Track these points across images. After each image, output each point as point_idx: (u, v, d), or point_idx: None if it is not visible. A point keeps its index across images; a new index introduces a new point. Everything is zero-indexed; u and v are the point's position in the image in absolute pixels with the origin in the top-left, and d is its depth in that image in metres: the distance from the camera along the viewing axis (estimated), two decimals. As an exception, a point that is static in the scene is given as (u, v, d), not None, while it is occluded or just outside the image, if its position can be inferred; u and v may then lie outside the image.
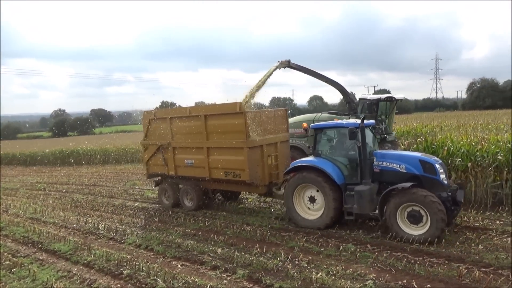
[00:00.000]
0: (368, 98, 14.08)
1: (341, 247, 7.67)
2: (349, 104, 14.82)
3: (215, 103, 11.40)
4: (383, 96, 13.95)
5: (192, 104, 11.74)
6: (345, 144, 8.99)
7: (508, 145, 10.25)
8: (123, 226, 10.46)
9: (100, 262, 7.79)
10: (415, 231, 7.65)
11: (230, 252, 7.75)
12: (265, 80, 12.28)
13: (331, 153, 9.13)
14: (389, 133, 14.03)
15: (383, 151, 9.09)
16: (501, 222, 8.68)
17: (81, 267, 7.73)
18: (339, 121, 9.08)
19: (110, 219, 11.34)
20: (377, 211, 8.24)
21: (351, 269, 6.58)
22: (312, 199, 9.07)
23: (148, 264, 7.43)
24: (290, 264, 6.96)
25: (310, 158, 9.34)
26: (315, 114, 15.08)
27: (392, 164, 8.39)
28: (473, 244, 7.36)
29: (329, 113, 15.20)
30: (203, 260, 7.50)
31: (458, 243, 7.46)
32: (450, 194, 8.03)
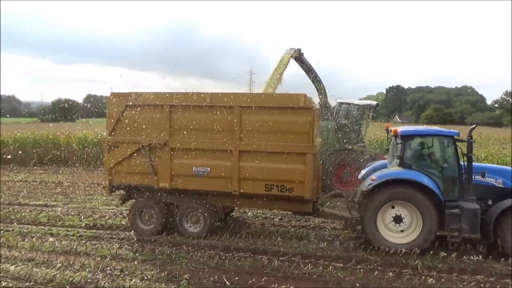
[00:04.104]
0: (356, 103, 13.43)
1: (156, 250, 7.60)
2: (326, 108, 14.02)
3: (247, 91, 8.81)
4: (374, 102, 13.73)
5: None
6: (443, 155, 8.10)
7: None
8: None
9: None
10: None
11: (26, 269, 6.67)
12: (283, 71, 11.88)
13: (422, 164, 7.93)
14: (362, 141, 13.53)
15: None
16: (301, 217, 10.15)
17: None
18: (436, 128, 8.13)
19: None
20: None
21: (166, 272, 6.60)
22: (397, 219, 7.63)
23: None
24: (101, 274, 6.49)
25: (399, 169, 7.81)
26: None
27: (487, 178, 7.74)
28: (273, 237, 8.39)
29: None
30: (-11, 282, 6.24)
31: (262, 237, 8.41)
32: None
